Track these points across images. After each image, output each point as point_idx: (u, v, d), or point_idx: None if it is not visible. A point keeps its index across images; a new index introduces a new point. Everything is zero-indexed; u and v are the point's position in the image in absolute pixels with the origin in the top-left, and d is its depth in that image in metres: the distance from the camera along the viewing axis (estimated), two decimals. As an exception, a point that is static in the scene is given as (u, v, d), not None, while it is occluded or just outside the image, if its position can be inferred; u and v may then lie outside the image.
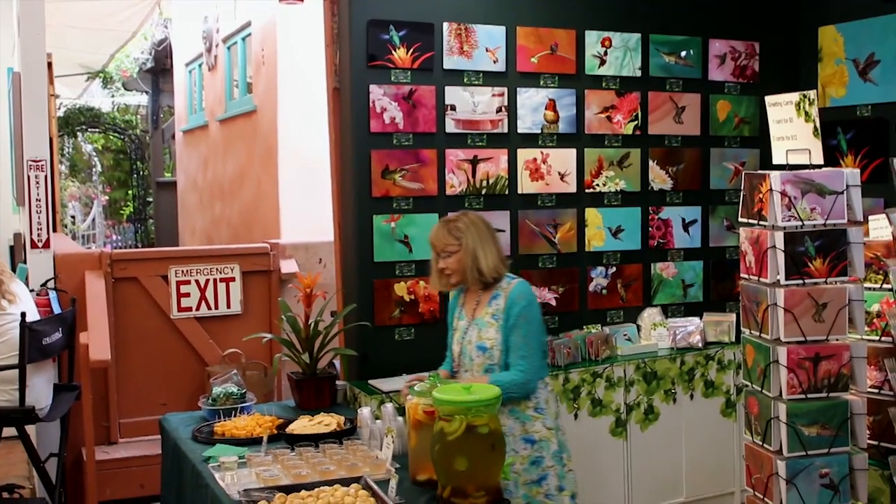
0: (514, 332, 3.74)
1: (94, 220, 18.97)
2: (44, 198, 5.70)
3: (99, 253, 6.03)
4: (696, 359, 5.29)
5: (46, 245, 5.70)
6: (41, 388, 4.89)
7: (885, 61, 5.21)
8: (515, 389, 3.68)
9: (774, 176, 3.55)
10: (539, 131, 5.22)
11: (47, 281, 5.68)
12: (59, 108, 15.12)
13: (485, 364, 3.79)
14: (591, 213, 5.37)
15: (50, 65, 6.93)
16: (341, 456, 3.47)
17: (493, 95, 5.09)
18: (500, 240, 3.97)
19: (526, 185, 5.19)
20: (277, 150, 8.52)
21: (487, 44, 5.07)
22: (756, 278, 3.67)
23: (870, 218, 4.01)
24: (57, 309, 5.43)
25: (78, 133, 18.32)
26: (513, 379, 3.68)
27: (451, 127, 5.01)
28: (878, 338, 3.89)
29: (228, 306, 6.11)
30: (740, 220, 3.80)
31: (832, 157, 5.36)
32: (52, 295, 5.53)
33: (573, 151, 5.31)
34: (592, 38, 5.32)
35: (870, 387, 3.86)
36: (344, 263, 5.07)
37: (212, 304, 6.07)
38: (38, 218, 5.69)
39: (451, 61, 4.99)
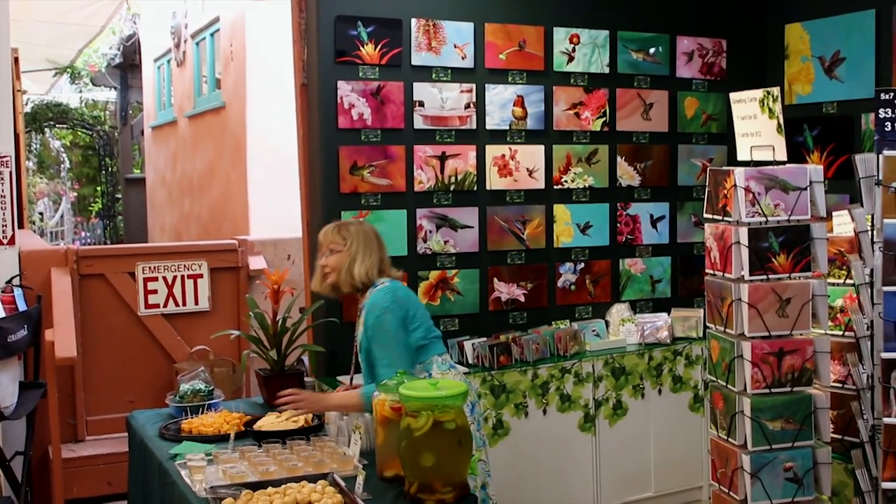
0: (373, 344, 3.69)
1: (62, 216, 18.78)
2: (9, 194, 5.64)
3: (65, 249, 5.98)
4: (665, 354, 5.32)
5: (12, 242, 5.63)
6: (6, 386, 4.84)
7: (850, 59, 5.26)
8: None
9: (738, 172, 3.57)
10: (507, 128, 5.23)
11: (12, 278, 5.62)
12: (26, 104, 14.98)
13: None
14: (560, 210, 5.39)
15: (16, 60, 6.87)
16: (309, 452, 3.46)
17: (462, 92, 5.09)
18: (387, 252, 3.95)
19: (494, 182, 5.20)
20: (246, 147, 8.50)
21: (456, 40, 5.07)
22: (721, 274, 3.69)
23: (833, 214, 4.04)
24: (22, 306, 5.37)
25: (46, 129, 18.13)
26: None
27: (419, 123, 5.01)
28: (841, 332, 3.93)
29: (196, 303, 6.09)
30: (705, 215, 3.83)
31: (798, 154, 5.40)
32: (18, 292, 5.47)
33: (541, 148, 5.32)
34: (561, 35, 5.34)
35: (833, 381, 3.90)
36: (312, 260, 5.05)
37: (179, 301, 6.05)
38: (3, 214, 5.62)
39: (419, 57, 4.99)
